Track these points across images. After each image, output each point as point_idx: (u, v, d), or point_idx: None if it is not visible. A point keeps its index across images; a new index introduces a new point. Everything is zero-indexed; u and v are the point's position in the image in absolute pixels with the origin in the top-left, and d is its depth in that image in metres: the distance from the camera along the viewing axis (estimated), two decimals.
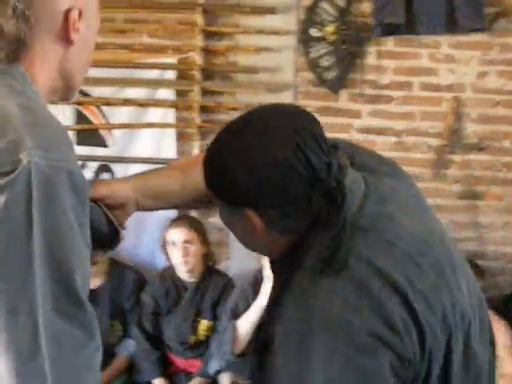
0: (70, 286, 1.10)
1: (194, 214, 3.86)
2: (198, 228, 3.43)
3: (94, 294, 3.22)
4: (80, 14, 1.26)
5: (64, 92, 1.32)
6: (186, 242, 3.35)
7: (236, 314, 3.01)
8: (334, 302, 1.15)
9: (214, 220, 3.95)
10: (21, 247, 1.07)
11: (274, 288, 1.38)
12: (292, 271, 1.23)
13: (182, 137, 3.89)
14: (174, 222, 3.43)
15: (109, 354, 3.32)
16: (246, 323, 2.90)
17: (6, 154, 1.08)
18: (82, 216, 1.15)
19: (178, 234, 3.36)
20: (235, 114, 4.11)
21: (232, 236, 3.73)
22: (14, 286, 1.08)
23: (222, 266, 3.97)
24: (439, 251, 1.30)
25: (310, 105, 3.76)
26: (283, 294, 1.23)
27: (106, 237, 1.39)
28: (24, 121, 1.13)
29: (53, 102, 1.33)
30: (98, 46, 3.84)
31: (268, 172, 1.18)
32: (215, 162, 1.27)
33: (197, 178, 1.43)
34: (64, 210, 1.11)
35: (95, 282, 3.38)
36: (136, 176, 1.56)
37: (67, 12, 1.24)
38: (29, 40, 1.22)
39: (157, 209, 1.55)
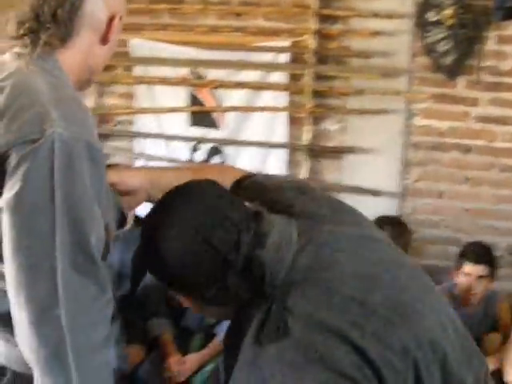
0: (86, 246, 1.24)
1: None
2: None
3: None
4: (120, 18, 1.45)
5: (84, 83, 1.48)
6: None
7: None
8: (282, 369, 1.18)
9: None
10: (44, 209, 1.21)
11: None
12: (239, 338, 1.29)
13: (293, 121, 3.93)
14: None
15: (209, 334, 3.44)
16: None
17: (33, 125, 1.23)
18: (98, 184, 1.28)
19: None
20: (347, 99, 4.10)
21: None
22: (37, 244, 1.21)
23: None
24: (394, 285, 1.30)
25: (425, 91, 3.71)
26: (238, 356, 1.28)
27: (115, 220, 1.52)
28: (50, 96, 1.27)
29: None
30: (214, 29, 3.97)
31: (179, 263, 1.27)
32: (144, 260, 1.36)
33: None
34: (82, 178, 1.23)
35: None
36: (149, 168, 1.68)
37: (113, 17, 1.42)
38: (75, 31, 1.37)
39: None
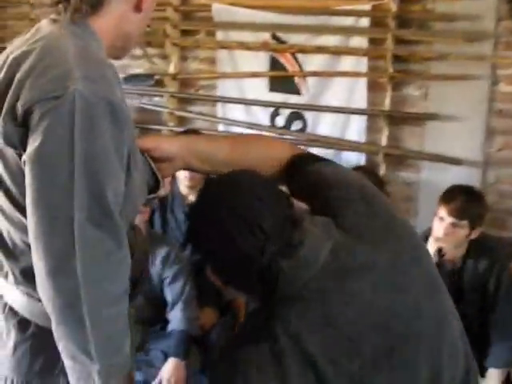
0: (102, 200, 1.29)
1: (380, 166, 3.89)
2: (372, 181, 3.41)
3: None
4: None
5: (119, 51, 1.52)
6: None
7: None
8: (251, 368, 1.27)
9: (404, 174, 3.94)
10: (63, 163, 1.27)
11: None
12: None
13: (373, 86, 3.88)
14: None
15: None
16: None
17: (56, 82, 1.29)
18: (119, 143, 1.33)
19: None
20: (430, 64, 4.00)
21: (422, 191, 3.68)
22: (56, 196, 1.28)
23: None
24: (399, 336, 1.30)
25: (511, 56, 3.57)
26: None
27: (148, 183, 1.56)
28: (76, 56, 1.33)
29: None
30: None
31: (211, 248, 1.39)
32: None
33: (244, 155, 1.64)
34: (102, 135, 1.29)
35: None
36: (187, 137, 1.72)
37: None
38: (104, 3, 1.43)
39: (204, 171, 1.68)
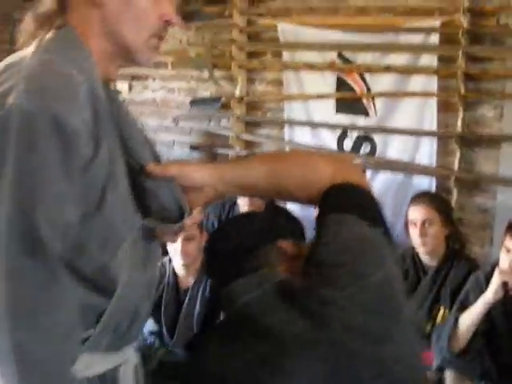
0: (32, 227, 1.15)
1: (451, 189, 3.71)
2: (440, 207, 3.26)
3: None
4: None
5: (123, 55, 1.38)
6: (424, 221, 3.22)
7: (464, 307, 2.84)
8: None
9: (478, 200, 3.75)
10: (19, 179, 1.14)
11: None
12: None
13: (444, 107, 3.71)
14: (415, 200, 3.31)
15: None
16: (468, 319, 2.72)
17: (1, 98, 1.17)
18: (69, 161, 1.18)
19: (416, 212, 3.25)
20: (505, 82, 3.82)
21: (498, 219, 3.53)
22: None
23: (484, 250, 3.76)
24: None
25: None
26: None
27: (172, 213, 1.44)
28: (31, 70, 1.21)
29: (120, 67, 1.41)
30: (361, 10, 3.88)
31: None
32: None
33: (280, 179, 1.47)
34: (42, 153, 1.15)
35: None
36: (217, 164, 1.59)
37: None
38: (68, 7, 1.33)
39: (241, 195, 1.57)
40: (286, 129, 4.28)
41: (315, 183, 1.44)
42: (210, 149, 4.55)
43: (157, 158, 1.48)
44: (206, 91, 4.61)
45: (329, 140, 4.13)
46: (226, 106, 4.47)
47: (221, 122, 4.57)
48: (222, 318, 1.49)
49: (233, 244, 1.47)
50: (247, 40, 4.35)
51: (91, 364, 1.33)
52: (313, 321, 1.21)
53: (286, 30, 4.14)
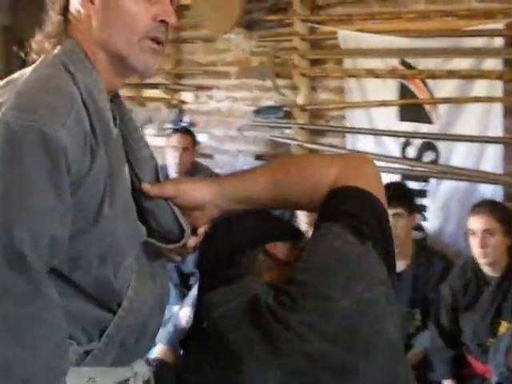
0: (14, 242, 1.15)
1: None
2: (502, 216, 3.16)
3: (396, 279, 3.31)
4: None
5: (120, 63, 1.38)
6: (485, 231, 3.12)
7: None
8: None
9: None
10: (3, 194, 1.16)
11: None
12: None
13: (509, 112, 3.57)
14: (475, 209, 3.21)
15: (405, 346, 3.30)
16: None
17: None
18: (57, 177, 1.19)
19: (477, 222, 3.15)
20: None
21: None
22: None
23: None
24: None
25: None
26: None
27: (171, 233, 1.45)
28: (25, 86, 1.24)
29: (122, 77, 1.43)
30: (423, 15, 3.81)
31: None
32: None
33: (282, 189, 1.45)
34: (27, 168, 1.17)
35: (399, 266, 3.39)
36: (218, 179, 1.56)
37: None
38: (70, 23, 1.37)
39: (242, 209, 1.53)
40: (349, 137, 4.25)
41: (318, 189, 1.42)
42: (274, 158, 4.57)
43: (158, 177, 1.48)
44: (269, 100, 4.63)
45: (392, 148, 4.07)
46: (288, 115, 4.47)
47: (284, 131, 4.57)
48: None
49: (220, 249, 1.46)
50: (309, 48, 4.35)
51: (95, 378, 1.35)
52: (272, 345, 1.20)
53: (347, 36, 4.11)
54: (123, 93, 4.52)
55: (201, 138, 5.04)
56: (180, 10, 5.04)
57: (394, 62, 3.98)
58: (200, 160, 4.85)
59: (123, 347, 1.39)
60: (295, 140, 4.43)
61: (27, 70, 1.33)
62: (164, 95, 5.29)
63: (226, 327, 1.27)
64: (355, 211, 1.35)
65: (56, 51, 1.35)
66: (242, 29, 4.63)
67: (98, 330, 1.35)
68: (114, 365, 1.39)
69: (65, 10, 1.39)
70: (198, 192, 1.48)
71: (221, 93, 4.96)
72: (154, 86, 5.31)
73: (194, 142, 4.58)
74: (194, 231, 1.49)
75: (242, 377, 1.21)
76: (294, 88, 4.44)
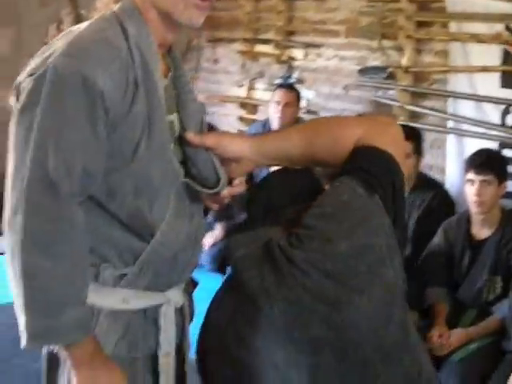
0: (46, 168, 1.40)
1: None
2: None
3: (479, 245, 3.40)
4: None
5: (169, 19, 1.54)
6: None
7: None
8: None
9: None
10: (26, 129, 1.42)
11: None
12: None
13: None
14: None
15: (483, 312, 3.38)
16: None
17: (43, 61, 1.44)
18: (94, 116, 1.41)
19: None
20: None
21: None
22: (16, 157, 1.44)
23: None
24: None
25: None
26: None
27: (208, 180, 1.61)
28: (76, 37, 1.46)
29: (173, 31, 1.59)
30: None
31: None
32: None
33: (313, 146, 1.57)
34: (67, 106, 1.40)
35: (484, 233, 3.46)
36: (254, 136, 1.73)
37: None
38: None
39: (275, 165, 1.69)
40: (450, 101, 4.27)
41: (343, 148, 1.53)
42: None
43: (201, 127, 1.65)
44: (375, 60, 4.70)
45: (492, 114, 4.06)
46: (392, 76, 4.54)
47: (388, 92, 4.65)
48: None
49: (263, 199, 1.62)
50: (416, 10, 4.37)
51: (129, 299, 1.58)
52: (279, 279, 1.38)
53: (454, 0, 4.11)
54: (238, 47, 4.81)
55: (308, 94, 5.20)
56: None
57: (499, 28, 3.95)
58: (306, 116, 5.02)
59: (156, 275, 1.60)
60: (397, 101, 4.50)
61: (83, 24, 1.53)
62: (275, 51, 5.45)
63: (244, 266, 1.44)
64: (369, 167, 1.47)
65: (115, 8, 1.55)
66: None
67: (133, 256, 1.56)
68: (148, 290, 1.60)
69: None
70: (237, 146, 1.62)
71: (329, 51, 5.07)
72: (267, 41, 5.51)
73: (298, 99, 4.75)
74: (229, 182, 1.65)
75: (253, 310, 1.39)
76: (400, 49, 4.49)
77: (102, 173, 1.48)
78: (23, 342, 1.47)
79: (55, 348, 1.56)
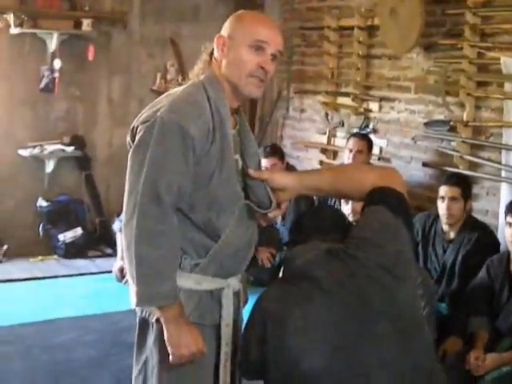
0: (155, 186, 2.07)
1: None
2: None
3: None
4: (225, 39, 2.19)
5: (237, 90, 2.23)
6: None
7: None
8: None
9: None
10: (141, 159, 2.10)
11: None
12: None
13: None
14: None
15: None
16: None
17: (154, 113, 2.14)
18: (186, 154, 2.09)
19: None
20: None
21: None
22: (133, 178, 2.11)
23: None
24: None
25: None
26: None
27: (263, 203, 2.26)
28: (176, 98, 2.16)
29: (239, 99, 2.29)
30: None
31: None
32: None
33: (341, 184, 2.23)
34: (169, 146, 2.08)
35: None
36: (299, 172, 2.50)
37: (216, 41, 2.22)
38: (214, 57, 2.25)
39: (311, 194, 2.35)
40: (503, 153, 4.76)
41: (363, 187, 2.18)
42: (438, 167, 5.20)
43: (259, 165, 2.32)
44: (440, 115, 5.23)
45: None
46: (454, 129, 5.06)
47: (450, 143, 5.16)
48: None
49: (313, 223, 2.25)
50: (476, 70, 4.90)
51: (201, 282, 2.24)
52: (346, 271, 1.99)
53: (509, 62, 4.61)
54: (321, 98, 5.53)
55: (381, 143, 5.79)
56: (371, 30, 5.81)
57: None
58: (379, 163, 5.61)
59: (221, 266, 2.25)
60: (458, 152, 5.03)
61: (180, 88, 2.26)
62: (353, 103, 6.08)
63: (312, 267, 2.03)
64: (391, 200, 2.12)
65: (201, 77, 2.25)
66: (421, 49, 5.30)
67: (205, 251, 2.23)
68: (215, 276, 2.26)
69: (211, 54, 2.28)
70: (283, 179, 2.28)
71: (401, 105, 5.64)
72: (346, 94, 6.15)
73: (370, 146, 5.33)
74: (278, 205, 2.29)
75: (321, 294, 1.98)
76: (461, 105, 5.01)
77: (188, 192, 2.15)
78: (134, 304, 2.14)
79: (146, 314, 2.22)
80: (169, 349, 2.14)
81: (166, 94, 2.29)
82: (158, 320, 2.18)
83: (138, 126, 2.18)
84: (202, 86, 2.21)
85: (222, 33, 2.23)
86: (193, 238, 2.21)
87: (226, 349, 2.29)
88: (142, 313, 2.26)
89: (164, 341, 2.15)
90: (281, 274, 2.28)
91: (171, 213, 2.12)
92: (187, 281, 2.21)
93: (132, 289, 2.14)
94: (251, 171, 2.26)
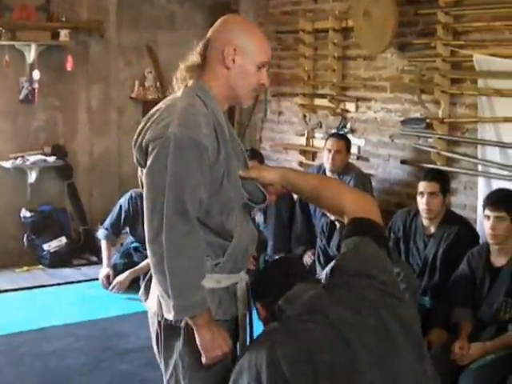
0: (181, 200, 2.13)
1: None
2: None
3: (496, 271, 3.95)
4: (235, 50, 2.25)
5: (235, 99, 2.35)
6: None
7: None
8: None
9: None
10: (161, 175, 2.14)
11: None
12: None
13: None
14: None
15: (500, 330, 3.79)
16: None
17: (163, 129, 2.17)
18: (202, 164, 2.16)
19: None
20: None
21: None
22: (156, 196, 2.16)
23: None
24: None
25: None
26: None
27: (256, 198, 2.37)
28: (180, 111, 2.19)
29: (230, 104, 2.37)
30: None
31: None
32: None
33: (323, 194, 2.36)
34: (187, 160, 2.14)
35: (501, 261, 3.92)
36: (285, 168, 2.55)
37: (224, 49, 2.26)
38: (205, 66, 2.29)
39: (292, 191, 2.48)
40: (479, 148, 4.88)
41: (341, 205, 2.34)
42: (416, 164, 5.30)
43: (245, 163, 2.38)
44: (416, 113, 5.35)
45: None
46: (430, 126, 5.17)
47: (427, 140, 5.27)
48: None
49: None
50: (449, 68, 5.02)
51: (220, 280, 2.33)
52: (346, 295, 2.09)
53: (481, 59, 4.72)
54: (299, 100, 5.65)
55: (359, 142, 5.88)
56: (346, 32, 5.91)
57: None
58: (358, 162, 5.71)
59: (235, 262, 2.35)
60: (435, 148, 5.14)
61: (176, 97, 2.30)
62: (330, 104, 6.17)
63: (320, 302, 2.09)
64: (374, 231, 2.25)
65: (191, 85, 2.30)
66: (395, 49, 5.40)
67: (222, 251, 2.31)
68: (231, 273, 2.35)
69: (204, 56, 2.31)
70: (271, 175, 2.40)
71: (377, 104, 5.75)
72: (323, 96, 6.24)
73: (348, 146, 5.42)
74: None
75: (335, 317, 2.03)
76: (437, 103, 5.12)
77: (205, 200, 2.22)
78: (171, 316, 2.20)
79: (172, 320, 2.25)
80: (203, 352, 2.22)
81: (162, 105, 2.33)
82: (186, 324, 2.25)
83: (147, 144, 2.22)
84: (194, 94, 2.27)
85: (229, 39, 2.28)
86: (211, 241, 2.29)
87: (244, 336, 2.39)
88: (167, 319, 2.29)
89: (193, 344, 2.23)
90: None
91: (197, 224, 2.20)
92: (209, 281, 2.28)
93: (166, 302, 2.21)
94: (241, 172, 2.34)
